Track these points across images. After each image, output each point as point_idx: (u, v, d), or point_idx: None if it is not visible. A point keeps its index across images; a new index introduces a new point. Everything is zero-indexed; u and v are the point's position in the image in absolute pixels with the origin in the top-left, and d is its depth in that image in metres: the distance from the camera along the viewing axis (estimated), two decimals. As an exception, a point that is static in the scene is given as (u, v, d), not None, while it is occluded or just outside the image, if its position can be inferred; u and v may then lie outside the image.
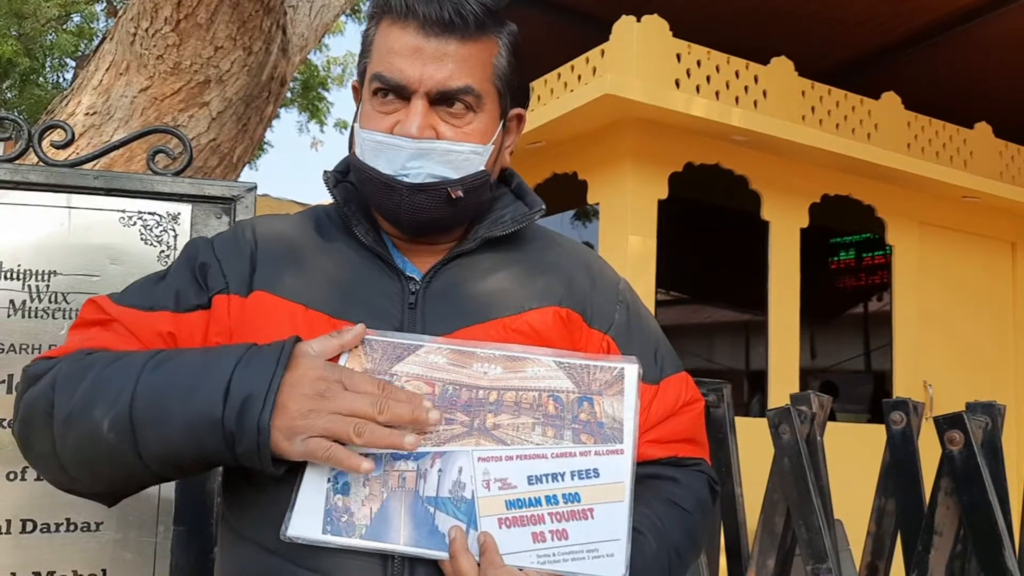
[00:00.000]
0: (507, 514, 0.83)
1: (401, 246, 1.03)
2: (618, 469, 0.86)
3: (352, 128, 1.03)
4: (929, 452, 1.77)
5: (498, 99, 1.00)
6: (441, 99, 0.95)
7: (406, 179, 0.95)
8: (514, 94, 1.03)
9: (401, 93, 0.95)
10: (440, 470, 0.84)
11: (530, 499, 0.84)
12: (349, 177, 1.06)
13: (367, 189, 0.99)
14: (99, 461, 0.87)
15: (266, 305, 0.95)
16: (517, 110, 1.06)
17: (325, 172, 1.06)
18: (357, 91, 1.05)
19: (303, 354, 0.85)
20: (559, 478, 0.84)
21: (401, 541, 0.82)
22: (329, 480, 0.84)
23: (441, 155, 0.95)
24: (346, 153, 1.08)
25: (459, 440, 0.86)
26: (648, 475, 0.97)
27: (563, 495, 0.84)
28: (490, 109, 0.99)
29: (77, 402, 0.85)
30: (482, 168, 0.99)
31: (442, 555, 0.82)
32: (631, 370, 0.91)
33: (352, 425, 0.81)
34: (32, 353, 1.27)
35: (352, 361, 0.89)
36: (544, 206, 1.07)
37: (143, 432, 0.83)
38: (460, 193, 0.97)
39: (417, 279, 0.99)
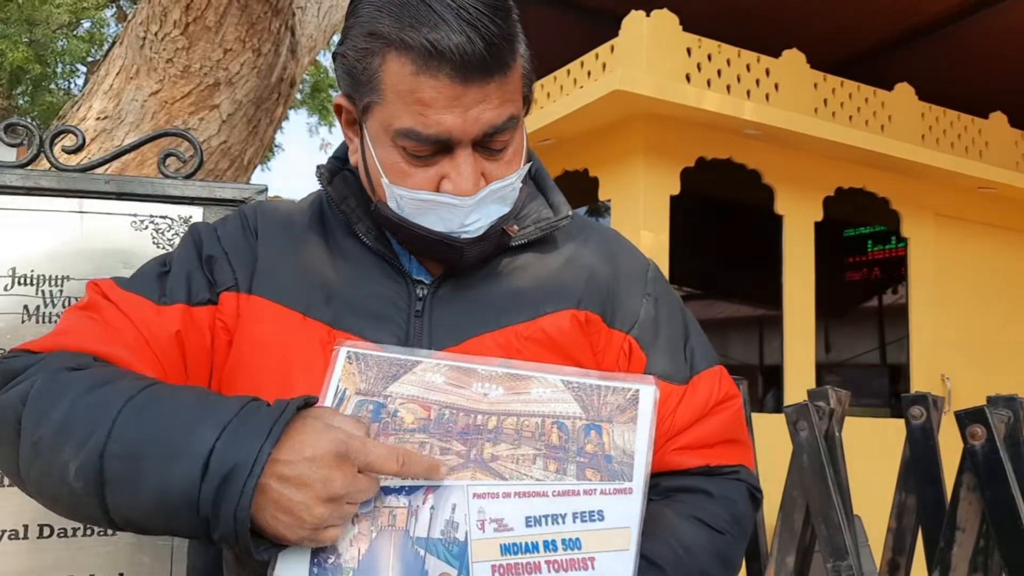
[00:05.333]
0: (501, 560, 0.75)
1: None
2: (625, 512, 0.77)
3: (364, 161, 0.91)
4: (949, 447, 1.75)
5: (523, 102, 0.90)
6: (485, 137, 0.85)
7: (466, 235, 0.87)
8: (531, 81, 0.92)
9: (442, 146, 0.83)
10: (432, 507, 0.76)
11: (527, 544, 0.76)
12: (348, 166, 0.97)
13: (410, 238, 0.89)
14: (61, 503, 0.76)
15: (262, 311, 0.89)
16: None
17: (319, 168, 0.97)
18: (345, 112, 0.91)
19: (311, 416, 0.74)
20: (559, 520, 0.76)
21: None
22: None
23: (493, 195, 0.87)
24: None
25: (454, 473, 0.77)
26: (677, 488, 0.89)
27: (563, 541, 0.76)
28: (521, 119, 0.89)
29: (46, 431, 0.74)
30: (521, 184, 0.91)
31: None
32: (647, 392, 0.81)
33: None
34: (46, 358, 1.27)
35: (346, 381, 0.82)
36: (571, 212, 0.97)
37: (113, 490, 0.72)
38: (516, 228, 0.90)
39: (426, 282, 0.91)
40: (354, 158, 0.94)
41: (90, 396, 0.75)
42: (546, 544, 0.76)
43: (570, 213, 0.97)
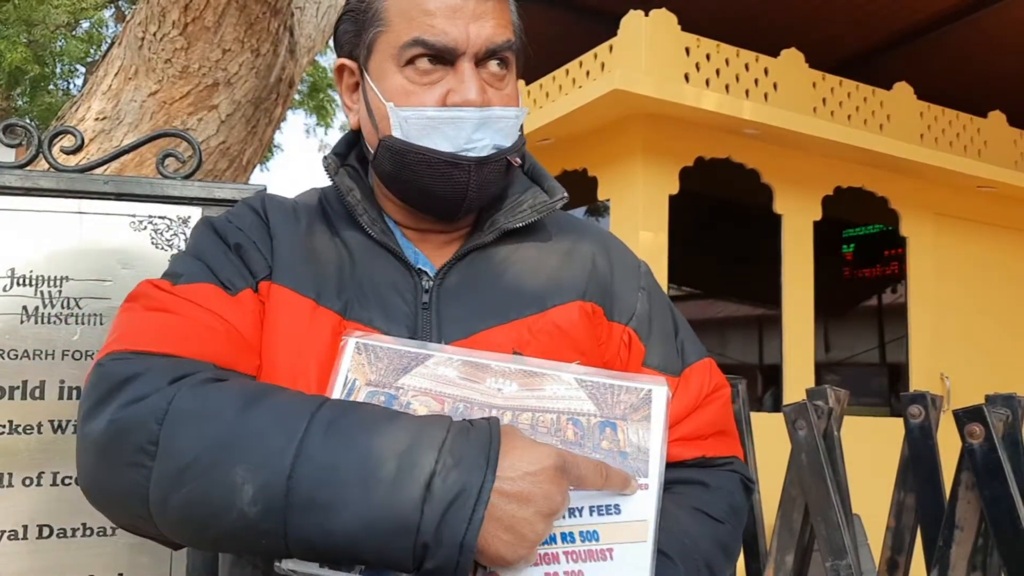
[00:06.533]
0: None
1: (411, 236, 0.96)
2: (641, 506, 0.77)
3: (368, 108, 0.93)
4: (948, 446, 1.75)
5: (516, 54, 0.93)
6: (484, 58, 0.88)
7: (471, 154, 0.87)
8: (521, 31, 0.95)
9: (445, 58, 0.87)
10: None
11: None
12: (349, 160, 0.99)
13: (415, 172, 0.89)
14: (218, 527, 0.69)
15: (280, 298, 0.88)
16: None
17: (325, 158, 0.98)
18: (348, 72, 0.96)
19: (512, 431, 0.72)
20: (576, 513, 0.76)
21: None
22: None
23: (496, 122, 0.88)
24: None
25: None
26: (675, 480, 0.90)
27: (580, 532, 0.76)
28: (514, 66, 0.93)
29: (205, 453, 0.69)
30: (520, 134, 0.93)
31: None
32: (659, 393, 0.82)
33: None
34: (45, 359, 1.27)
35: (356, 371, 0.82)
36: (566, 194, 0.99)
37: (300, 516, 0.67)
38: (519, 161, 0.91)
39: (430, 274, 0.92)
40: (354, 120, 0.96)
41: (253, 412, 0.71)
42: (563, 536, 0.76)
43: (565, 194, 0.99)
